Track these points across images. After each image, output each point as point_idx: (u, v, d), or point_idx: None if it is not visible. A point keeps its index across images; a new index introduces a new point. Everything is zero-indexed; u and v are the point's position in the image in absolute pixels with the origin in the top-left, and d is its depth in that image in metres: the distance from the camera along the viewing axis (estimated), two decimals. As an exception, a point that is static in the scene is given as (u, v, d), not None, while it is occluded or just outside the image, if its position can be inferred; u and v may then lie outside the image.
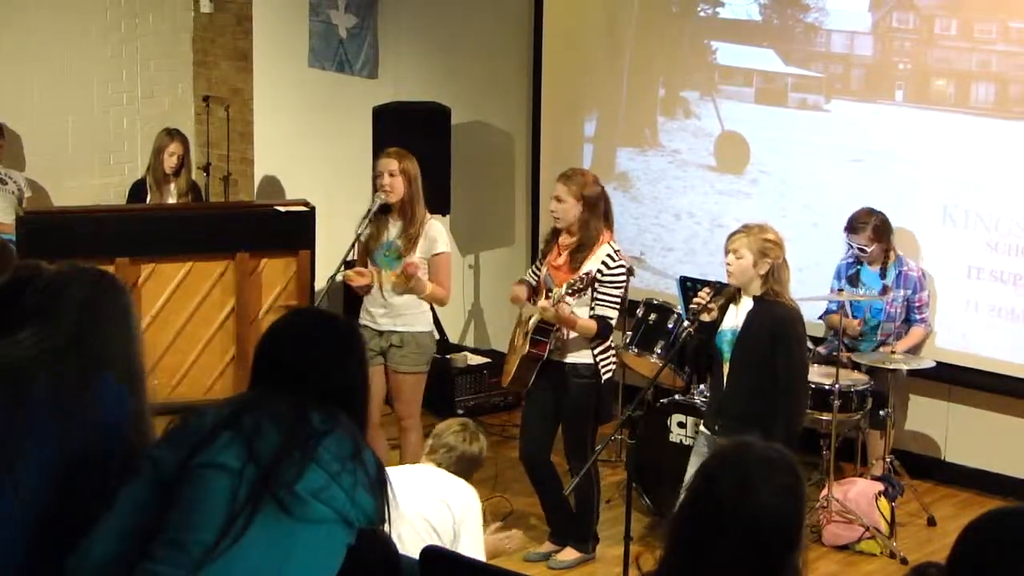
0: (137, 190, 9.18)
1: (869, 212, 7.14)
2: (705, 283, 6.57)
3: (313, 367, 2.97)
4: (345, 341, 3.06)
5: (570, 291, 6.04)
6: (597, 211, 6.23)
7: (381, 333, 6.56)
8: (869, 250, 7.10)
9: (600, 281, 6.13)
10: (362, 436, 2.97)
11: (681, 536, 2.60)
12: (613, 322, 6.26)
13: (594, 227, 6.21)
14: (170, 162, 9.02)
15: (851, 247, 7.19)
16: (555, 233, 6.35)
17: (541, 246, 6.56)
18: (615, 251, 6.21)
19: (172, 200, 9.09)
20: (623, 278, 6.26)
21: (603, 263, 6.15)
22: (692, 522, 2.59)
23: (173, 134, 9.16)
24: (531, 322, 6.26)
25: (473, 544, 4.77)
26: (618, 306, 6.27)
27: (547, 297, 6.16)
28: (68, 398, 2.97)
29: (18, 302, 3.15)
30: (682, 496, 2.66)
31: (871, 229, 7.08)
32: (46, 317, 3.08)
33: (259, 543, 2.82)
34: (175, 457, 2.89)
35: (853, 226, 7.13)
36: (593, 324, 6.16)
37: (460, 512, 4.79)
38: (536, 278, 6.43)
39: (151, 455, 2.92)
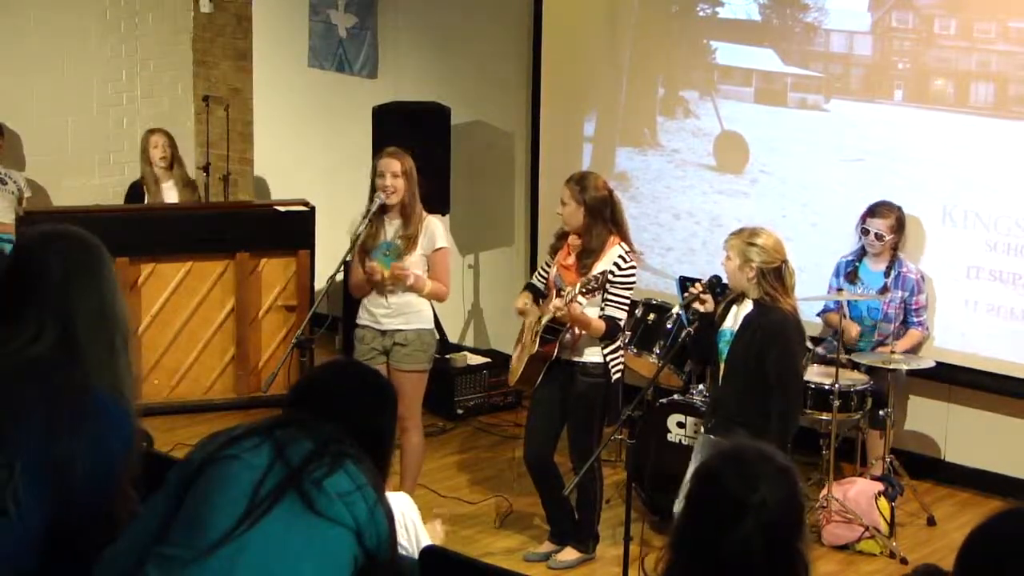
0: (134, 191, 9.19)
1: (890, 204, 7.14)
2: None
3: (356, 407, 3.07)
4: (388, 395, 3.18)
5: (584, 290, 6.01)
6: (601, 217, 6.15)
7: (384, 332, 6.55)
8: (888, 237, 7.08)
9: (611, 282, 6.10)
10: (382, 487, 3.03)
11: (690, 536, 2.62)
12: (622, 323, 6.26)
13: (597, 234, 6.13)
14: (156, 153, 9.04)
15: (865, 235, 7.11)
16: (565, 231, 6.34)
17: (552, 241, 6.47)
18: (626, 252, 6.16)
19: (172, 194, 9.09)
20: (634, 280, 6.24)
21: (615, 264, 6.12)
22: (701, 520, 2.61)
23: (152, 131, 9.24)
24: (542, 321, 6.26)
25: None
26: (627, 307, 6.25)
27: (559, 296, 6.16)
28: (64, 405, 2.95)
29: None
30: (682, 500, 2.68)
31: (895, 218, 7.09)
32: (35, 314, 3.03)
33: (276, 533, 2.84)
34: (201, 454, 2.95)
35: (875, 211, 7.11)
36: (603, 324, 6.14)
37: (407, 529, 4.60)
38: (544, 279, 6.41)
39: (179, 463, 2.96)
